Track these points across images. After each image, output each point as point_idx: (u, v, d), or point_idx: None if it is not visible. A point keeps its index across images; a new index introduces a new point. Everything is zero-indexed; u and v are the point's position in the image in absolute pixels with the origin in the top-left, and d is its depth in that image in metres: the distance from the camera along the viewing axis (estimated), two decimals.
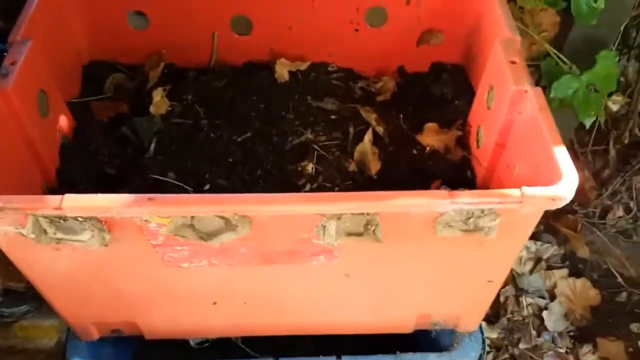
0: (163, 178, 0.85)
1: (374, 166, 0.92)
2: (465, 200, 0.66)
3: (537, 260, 1.23)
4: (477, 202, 0.67)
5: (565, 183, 0.65)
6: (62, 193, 0.83)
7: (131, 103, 0.99)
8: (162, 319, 0.87)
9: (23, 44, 0.81)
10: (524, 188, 0.66)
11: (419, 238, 0.74)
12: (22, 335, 1.02)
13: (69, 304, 0.82)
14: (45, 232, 0.67)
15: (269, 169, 0.89)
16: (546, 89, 1.00)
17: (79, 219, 0.65)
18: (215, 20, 1.02)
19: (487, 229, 0.71)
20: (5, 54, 0.82)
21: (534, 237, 1.28)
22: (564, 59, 1.04)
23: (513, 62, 0.83)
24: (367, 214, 0.69)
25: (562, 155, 0.68)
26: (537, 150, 0.75)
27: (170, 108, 0.97)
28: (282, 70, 1.04)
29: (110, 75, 1.03)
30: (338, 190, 0.87)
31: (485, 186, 0.90)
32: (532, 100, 0.78)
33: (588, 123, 0.90)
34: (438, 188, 0.89)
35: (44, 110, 0.84)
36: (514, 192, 0.66)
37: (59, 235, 0.67)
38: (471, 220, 0.70)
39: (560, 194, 0.64)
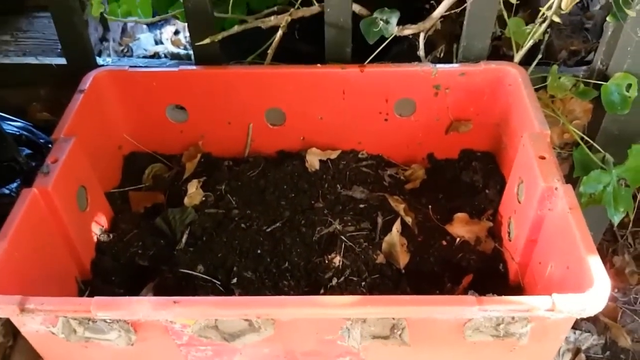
0: (192, 272, 0.87)
1: (403, 258, 0.91)
2: (494, 307, 0.65)
3: (577, 352, 1.17)
4: (506, 310, 0.65)
5: (596, 292, 0.63)
6: (95, 285, 0.86)
7: (168, 193, 1.03)
8: None
9: (66, 142, 0.86)
10: (555, 296, 0.64)
11: (448, 342, 0.72)
12: None
13: None
14: (74, 331, 0.68)
15: (297, 262, 0.90)
16: (579, 180, 0.98)
17: (107, 320, 0.67)
18: (250, 112, 1.06)
19: (518, 335, 0.69)
20: (50, 145, 0.87)
21: (573, 325, 1.21)
22: (597, 147, 1.03)
23: (542, 158, 0.82)
24: (393, 318, 0.67)
25: (593, 260, 0.66)
26: (568, 250, 0.73)
27: (203, 198, 1.00)
28: (313, 159, 1.07)
29: (149, 165, 1.07)
30: (365, 285, 0.86)
31: (518, 282, 0.87)
32: (562, 198, 0.76)
33: (617, 220, 0.88)
34: (469, 284, 0.87)
35: (82, 204, 0.88)
36: (544, 300, 0.64)
37: (88, 334, 0.69)
38: (502, 326, 0.68)
39: (589, 305, 0.62)
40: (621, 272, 1.33)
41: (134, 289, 0.87)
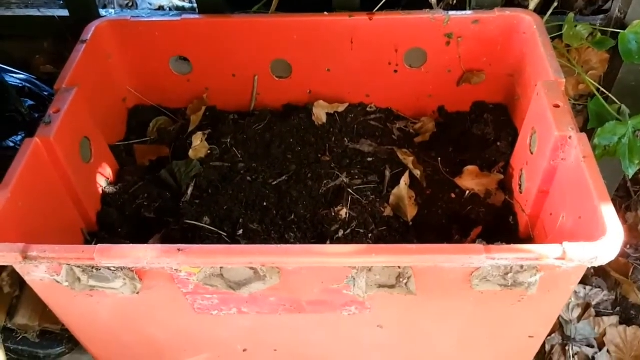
0: (198, 223, 0.86)
1: (410, 211, 0.90)
2: (502, 255, 0.63)
3: (586, 307, 1.16)
4: (515, 259, 0.63)
5: (609, 241, 0.61)
6: (102, 237, 0.86)
7: (173, 146, 1.02)
8: None
9: (68, 92, 0.84)
10: (566, 244, 0.62)
11: (455, 291, 0.71)
12: None
13: (102, 347, 0.83)
14: (78, 280, 0.68)
15: (303, 214, 0.89)
16: (594, 132, 0.95)
17: (111, 268, 0.66)
18: (255, 64, 1.03)
19: (527, 285, 0.67)
20: (52, 98, 0.86)
21: (583, 281, 1.21)
22: (613, 98, 1.00)
23: (556, 106, 0.80)
24: (399, 267, 0.66)
25: (606, 209, 0.64)
26: (581, 200, 0.71)
27: (209, 151, 0.98)
28: (320, 113, 1.04)
29: (154, 118, 1.06)
30: (372, 237, 0.85)
31: (528, 234, 0.86)
32: (576, 147, 0.74)
33: (631, 173, 0.85)
34: (478, 236, 0.86)
35: (86, 156, 0.87)
36: (555, 248, 0.63)
37: (92, 283, 0.68)
38: (510, 275, 0.67)
39: (602, 254, 0.60)
40: (634, 229, 1.31)
41: (140, 241, 0.86)
